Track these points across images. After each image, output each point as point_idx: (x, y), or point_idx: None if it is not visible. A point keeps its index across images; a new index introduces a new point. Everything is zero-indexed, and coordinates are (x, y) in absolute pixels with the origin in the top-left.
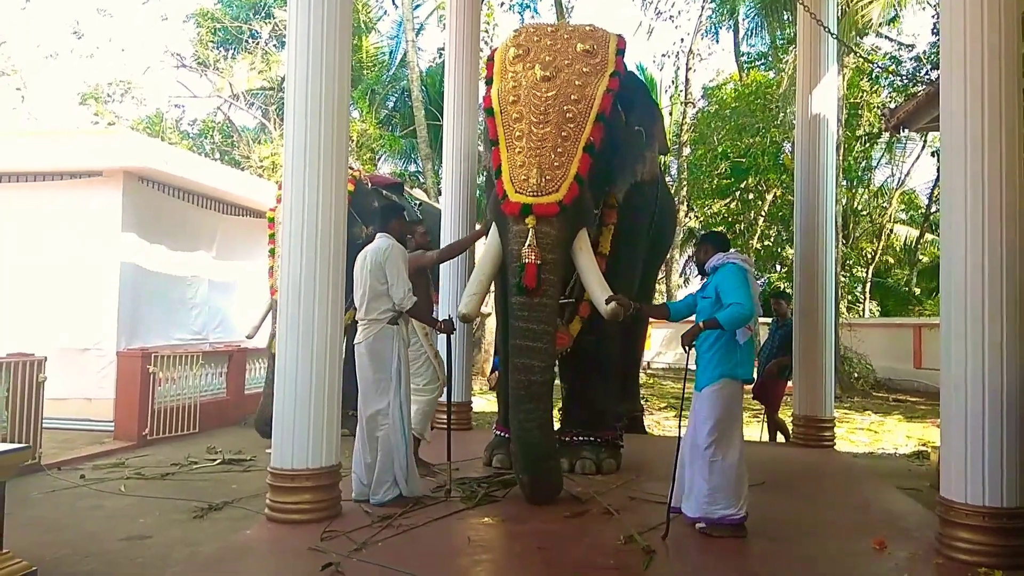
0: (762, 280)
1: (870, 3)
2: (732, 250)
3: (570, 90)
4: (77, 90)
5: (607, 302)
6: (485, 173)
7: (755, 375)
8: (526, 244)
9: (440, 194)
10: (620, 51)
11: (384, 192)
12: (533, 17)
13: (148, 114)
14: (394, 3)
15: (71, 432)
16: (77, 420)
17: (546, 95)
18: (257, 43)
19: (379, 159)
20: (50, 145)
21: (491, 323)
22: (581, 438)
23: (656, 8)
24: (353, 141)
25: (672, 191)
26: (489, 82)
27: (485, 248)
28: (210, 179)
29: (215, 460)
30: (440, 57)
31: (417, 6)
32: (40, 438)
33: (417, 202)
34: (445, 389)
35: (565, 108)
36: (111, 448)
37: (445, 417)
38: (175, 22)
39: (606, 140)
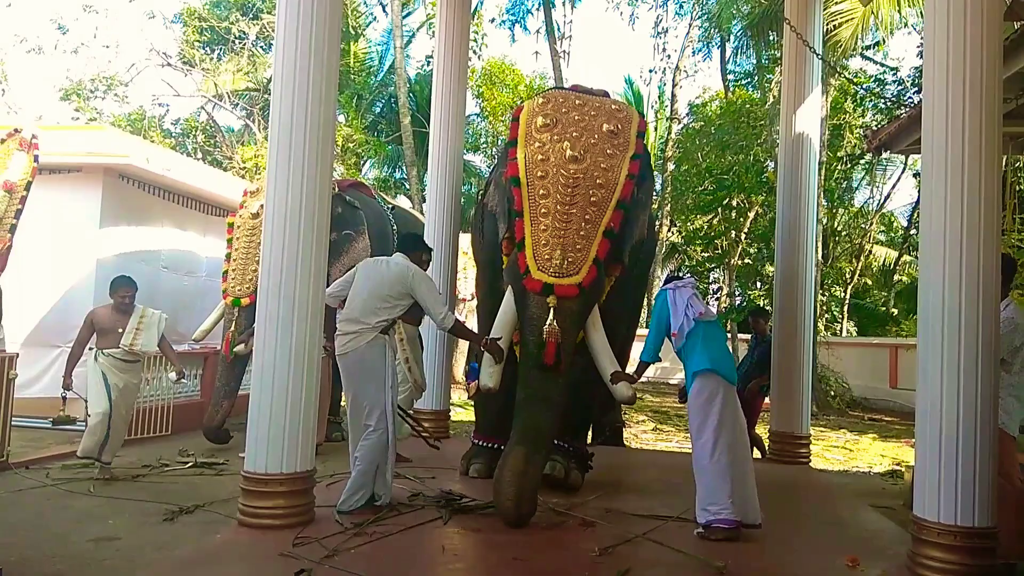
0: (742, 297)
1: (840, 26)
2: (679, 277)
3: (596, 173)
4: (59, 85)
5: (613, 380)
6: (478, 187)
7: (715, 369)
8: (547, 323)
9: (424, 201)
10: (640, 133)
11: (348, 197)
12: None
13: (131, 111)
14: (384, 11)
15: (41, 431)
16: (48, 419)
17: (574, 176)
18: (244, 44)
19: (364, 164)
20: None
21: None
22: (555, 443)
23: (656, 25)
24: (338, 145)
25: (656, 206)
26: (512, 144)
27: (500, 316)
28: (192, 179)
29: (187, 463)
30: (428, 65)
31: (407, 15)
32: (8, 436)
33: (390, 206)
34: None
35: (591, 192)
36: None
37: (421, 424)
38: (162, 20)
39: (623, 223)
